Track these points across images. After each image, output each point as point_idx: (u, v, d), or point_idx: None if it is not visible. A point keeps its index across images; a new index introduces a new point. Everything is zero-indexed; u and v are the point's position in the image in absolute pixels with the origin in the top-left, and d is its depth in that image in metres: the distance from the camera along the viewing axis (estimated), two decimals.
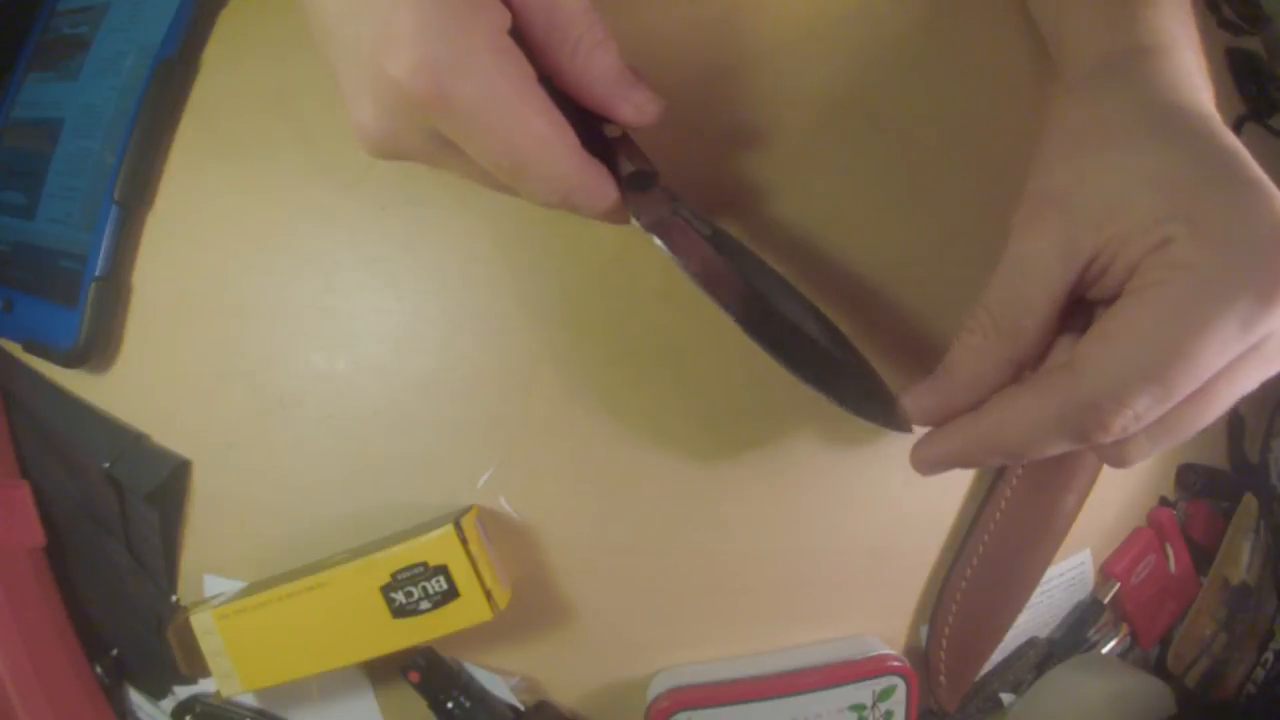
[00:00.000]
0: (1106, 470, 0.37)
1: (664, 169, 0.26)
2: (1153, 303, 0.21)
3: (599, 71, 0.24)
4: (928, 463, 0.27)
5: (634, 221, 0.25)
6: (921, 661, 0.34)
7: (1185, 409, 0.22)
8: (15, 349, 0.35)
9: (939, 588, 0.34)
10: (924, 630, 0.35)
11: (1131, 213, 0.22)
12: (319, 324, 0.31)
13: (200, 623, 0.30)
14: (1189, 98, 0.24)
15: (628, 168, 0.25)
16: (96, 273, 0.31)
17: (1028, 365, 0.25)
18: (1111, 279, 0.23)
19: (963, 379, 0.25)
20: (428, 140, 0.22)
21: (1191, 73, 0.25)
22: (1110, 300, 0.23)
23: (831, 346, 0.26)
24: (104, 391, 0.33)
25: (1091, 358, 0.22)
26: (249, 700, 0.34)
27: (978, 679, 0.38)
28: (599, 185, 0.24)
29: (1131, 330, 0.21)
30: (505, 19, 0.22)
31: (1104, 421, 0.21)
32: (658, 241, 0.24)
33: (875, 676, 0.31)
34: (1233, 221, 0.21)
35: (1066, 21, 0.29)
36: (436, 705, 0.31)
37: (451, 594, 0.28)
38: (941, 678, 0.34)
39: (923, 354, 0.32)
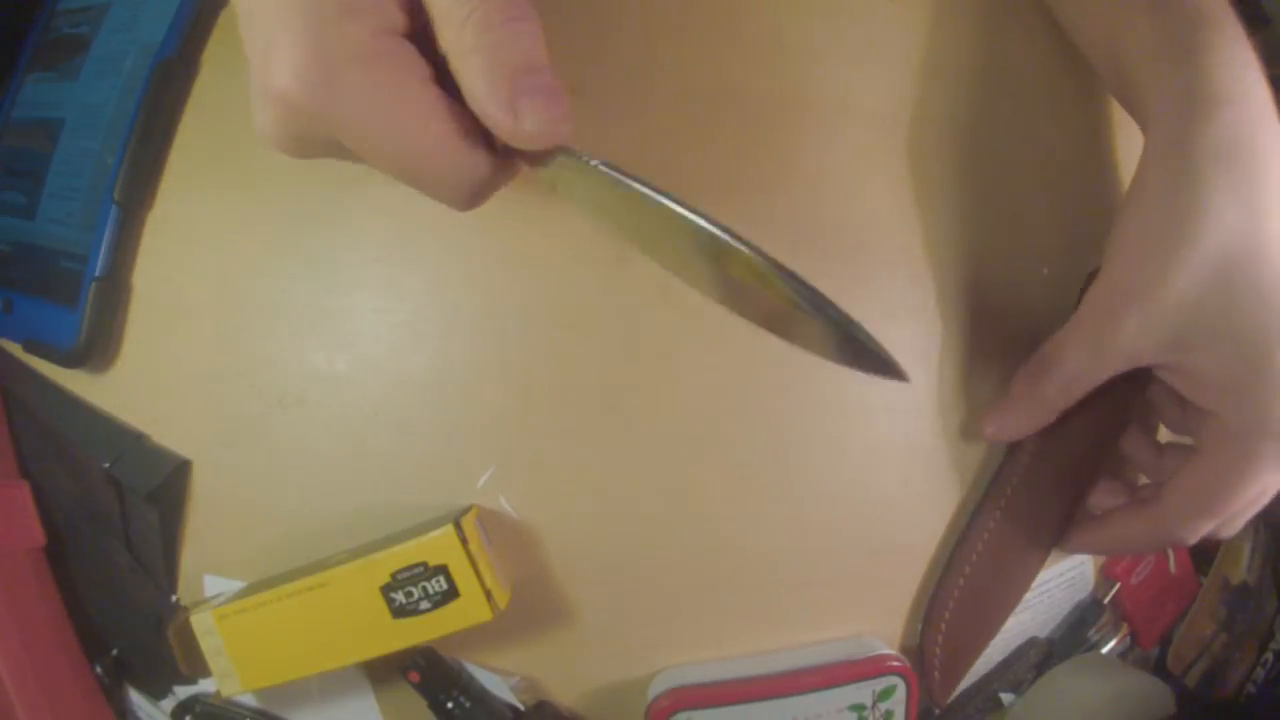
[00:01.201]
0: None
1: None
2: (1211, 468, 0.30)
3: (484, 61, 0.20)
4: (1069, 552, 0.36)
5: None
6: (917, 656, 0.34)
7: (1231, 517, 0.31)
8: (15, 349, 0.35)
9: (935, 582, 0.34)
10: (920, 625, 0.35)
11: (1194, 361, 0.28)
12: (319, 324, 0.31)
13: (200, 623, 0.30)
14: (1261, 202, 0.27)
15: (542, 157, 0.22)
16: (96, 273, 0.31)
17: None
18: (1157, 369, 0.30)
19: (1018, 425, 0.32)
20: (329, 146, 0.22)
21: (1261, 120, 0.27)
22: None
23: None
24: (104, 391, 0.33)
25: (1173, 503, 0.31)
26: (249, 700, 0.34)
27: (978, 679, 0.38)
28: (510, 174, 0.23)
29: (1198, 487, 0.30)
30: (392, 19, 0.20)
31: (1180, 540, 0.31)
32: (599, 166, 0.22)
33: (875, 676, 0.31)
34: (1267, 410, 0.28)
35: (1125, 48, 0.30)
36: (436, 705, 0.31)
37: (451, 594, 0.28)
38: (936, 673, 0.34)
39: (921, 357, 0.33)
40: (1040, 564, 0.35)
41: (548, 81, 0.21)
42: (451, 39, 0.20)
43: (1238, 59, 0.28)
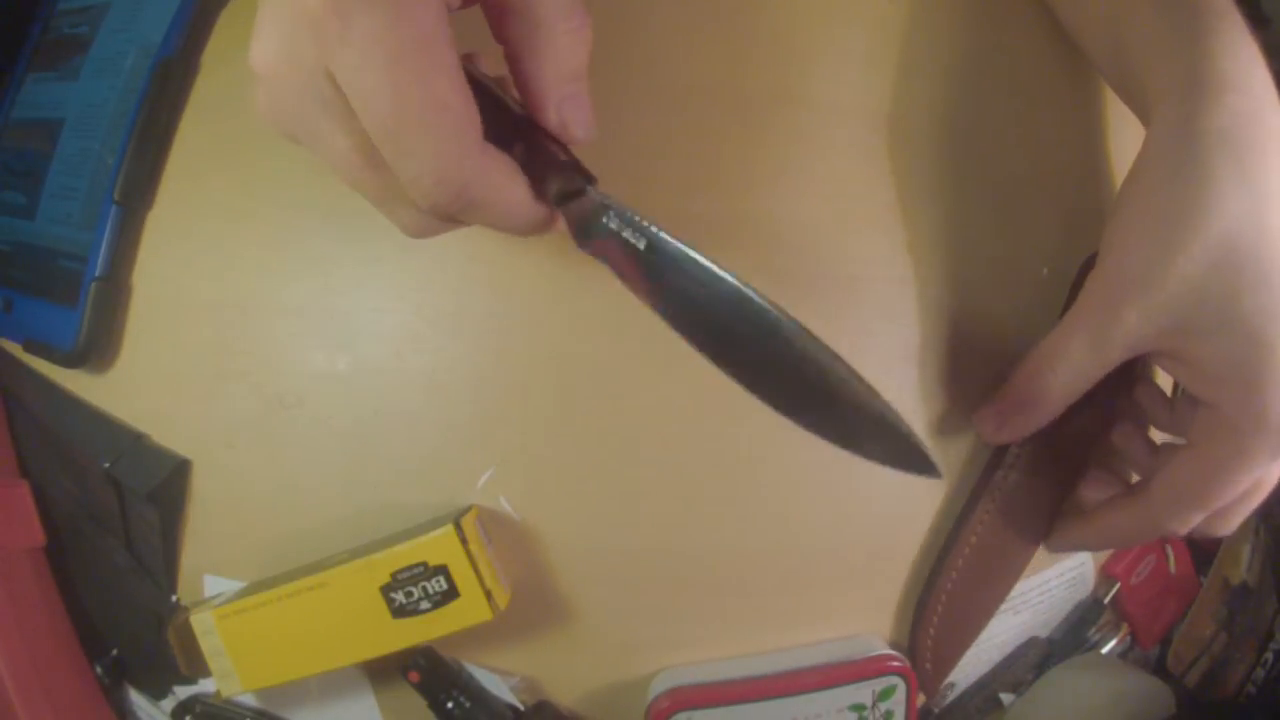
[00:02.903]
0: None
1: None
2: (1203, 459, 0.29)
3: (551, 61, 0.22)
4: (1057, 548, 0.35)
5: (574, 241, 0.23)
6: (907, 651, 0.34)
7: (1226, 509, 0.30)
8: (15, 349, 0.35)
9: (927, 577, 0.34)
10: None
11: (1196, 349, 0.28)
12: (319, 324, 0.31)
13: (200, 623, 0.30)
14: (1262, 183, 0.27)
15: (555, 182, 0.23)
16: (96, 273, 0.31)
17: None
18: (1155, 357, 0.30)
19: (1026, 421, 0.31)
20: (311, 87, 0.20)
21: (1264, 108, 0.27)
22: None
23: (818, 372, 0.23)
24: (104, 391, 0.33)
25: (1162, 494, 0.30)
26: (249, 700, 0.34)
27: (978, 679, 0.38)
28: (507, 185, 0.22)
29: (1188, 478, 0.29)
30: None
31: (1170, 531, 0.30)
32: (601, 258, 0.23)
33: (875, 676, 0.31)
34: (1267, 402, 0.27)
35: (1127, 43, 0.30)
36: (436, 705, 0.31)
37: (451, 594, 0.28)
38: (928, 665, 0.34)
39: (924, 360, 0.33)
40: (1030, 557, 0.35)
41: (584, 88, 0.23)
42: (512, 28, 0.21)
43: (1241, 47, 0.27)
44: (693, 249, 0.23)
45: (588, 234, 0.23)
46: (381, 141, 0.20)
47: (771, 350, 0.23)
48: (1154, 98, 0.28)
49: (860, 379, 0.23)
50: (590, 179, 0.23)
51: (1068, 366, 0.29)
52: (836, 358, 0.23)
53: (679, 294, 0.23)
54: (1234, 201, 0.26)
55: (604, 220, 0.23)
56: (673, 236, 0.23)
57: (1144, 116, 0.29)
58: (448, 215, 0.22)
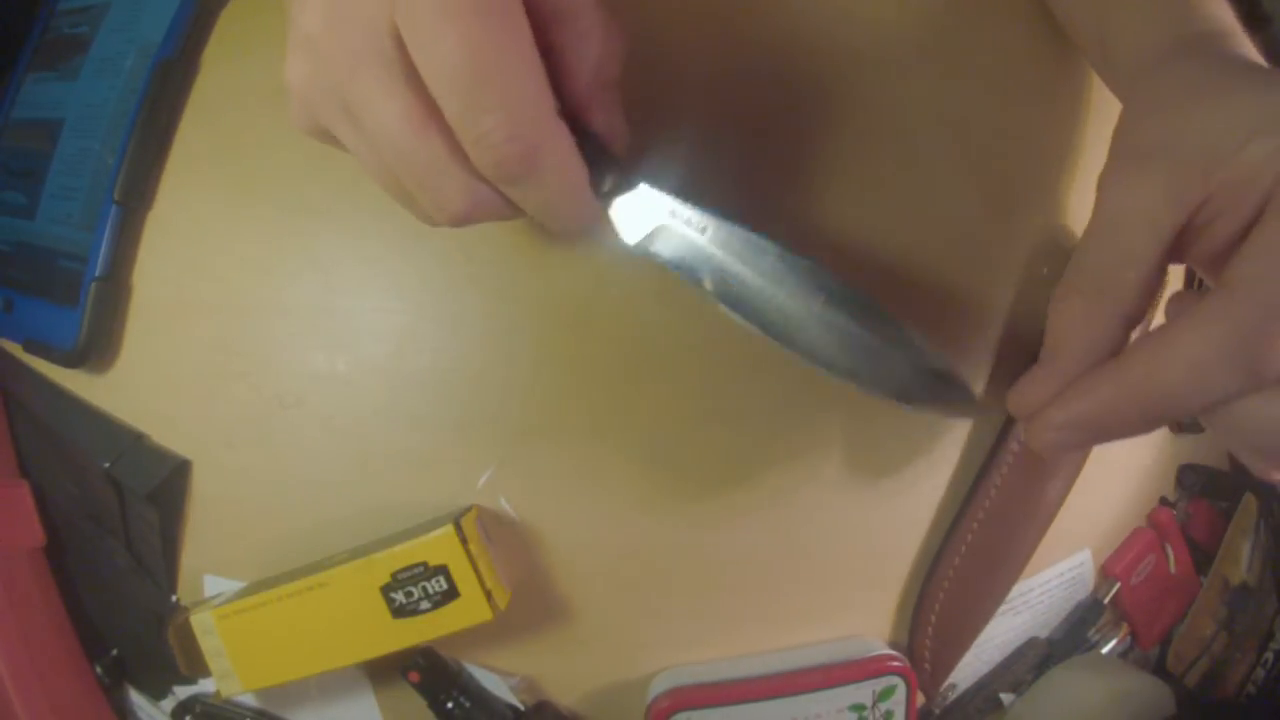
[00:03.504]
0: (1106, 470, 0.37)
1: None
2: None
3: (593, 65, 0.22)
4: (1059, 432, 0.23)
5: (624, 240, 0.23)
6: (906, 651, 0.34)
7: None
8: (15, 349, 0.35)
9: (924, 575, 0.34)
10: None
11: (1246, 157, 0.21)
12: (319, 324, 0.31)
13: (200, 623, 0.30)
14: (1266, 66, 0.24)
15: (608, 178, 0.23)
16: (96, 273, 0.31)
17: (1138, 323, 0.24)
18: (1224, 226, 0.22)
19: (1076, 353, 0.24)
20: (369, 44, 0.20)
21: (1256, 55, 0.25)
22: (1219, 254, 0.22)
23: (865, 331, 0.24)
24: (104, 391, 0.33)
25: (1249, 277, 0.20)
26: (249, 700, 0.34)
27: (978, 679, 0.38)
28: (573, 155, 0.21)
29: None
30: None
31: (1276, 343, 0.20)
32: (656, 256, 0.23)
33: (875, 676, 0.31)
34: None
35: (1113, 18, 0.28)
36: (436, 705, 0.31)
37: (451, 594, 0.28)
38: (926, 665, 0.34)
39: None
40: (1028, 556, 0.35)
41: (619, 94, 0.23)
42: (581, 29, 0.22)
43: (1232, 30, 0.26)
44: (756, 232, 0.23)
45: (644, 229, 0.23)
46: (454, 97, 0.20)
47: (840, 324, 0.23)
48: (1139, 68, 0.27)
49: (920, 338, 0.24)
50: (640, 175, 0.23)
51: (1130, 229, 0.23)
52: (900, 325, 0.23)
53: (741, 280, 0.23)
54: (1257, 90, 0.23)
55: (665, 212, 0.23)
56: (735, 221, 0.23)
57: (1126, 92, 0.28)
58: (510, 179, 0.21)
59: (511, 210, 0.23)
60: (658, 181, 0.23)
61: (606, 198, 0.23)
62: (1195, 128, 0.22)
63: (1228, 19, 0.27)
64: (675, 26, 0.31)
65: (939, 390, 0.24)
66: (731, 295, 0.23)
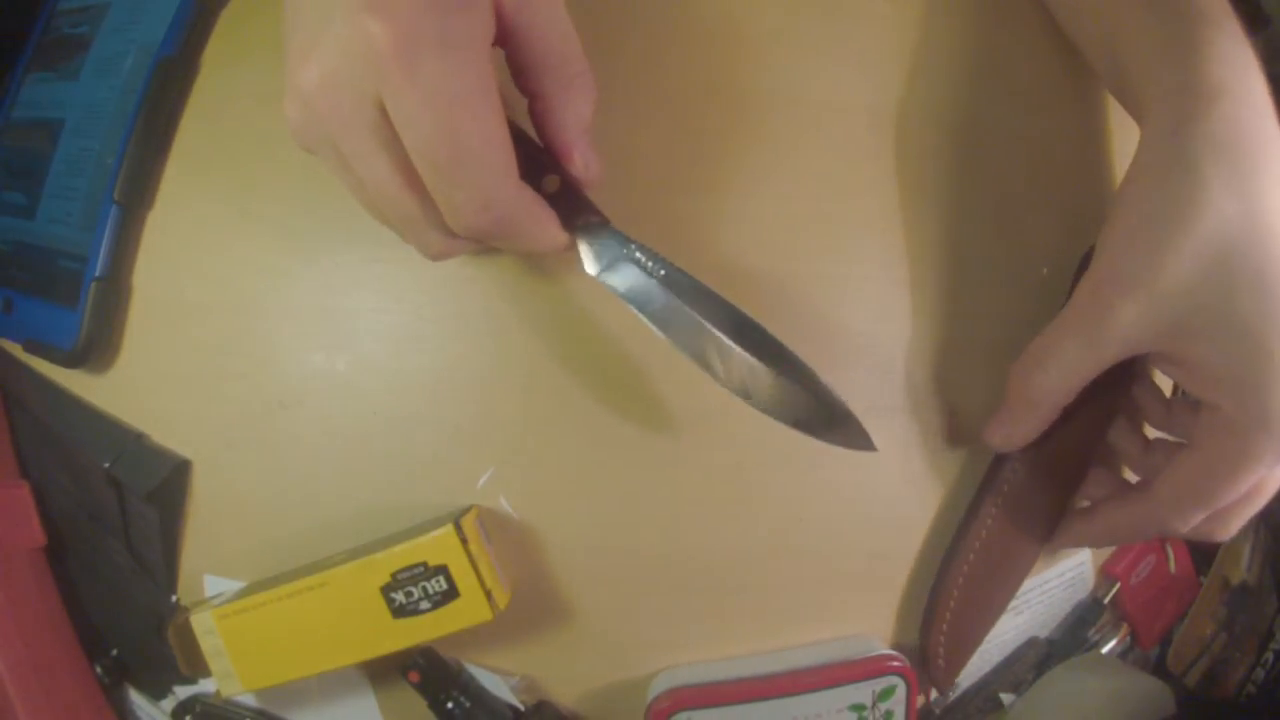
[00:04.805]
0: None
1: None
2: (1205, 458, 0.29)
3: (576, 114, 0.25)
4: (1060, 545, 0.35)
5: (586, 269, 0.26)
6: (917, 647, 0.34)
7: (1227, 511, 0.30)
8: (15, 349, 0.35)
9: (938, 571, 0.34)
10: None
11: (1193, 351, 0.28)
12: (319, 324, 0.31)
13: (200, 623, 0.30)
14: (1259, 187, 0.27)
15: (573, 220, 0.26)
16: (96, 273, 0.31)
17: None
18: (1155, 360, 0.30)
19: (1049, 407, 0.31)
20: (358, 113, 0.22)
21: (1259, 115, 0.27)
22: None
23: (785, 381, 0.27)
24: (104, 391, 0.33)
25: (1165, 494, 0.30)
26: (249, 700, 0.34)
27: (978, 679, 0.38)
28: (539, 213, 0.25)
29: (1191, 478, 0.29)
30: (490, 29, 0.22)
31: (1173, 530, 0.30)
32: (611, 286, 0.26)
33: (875, 676, 0.31)
34: (1268, 404, 0.27)
35: (1122, 41, 0.30)
36: (436, 705, 0.31)
37: (451, 594, 0.28)
38: (940, 661, 0.34)
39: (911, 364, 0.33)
40: (1037, 554, 0.35)
41: (592, 135, 0.26)
42: (564, 81, 0.25)
43: (1236, 55, 0.28)
44: (703, 282, 0.27)
45: (605, 263, 0.27)
46: (430, 172, 0.22)
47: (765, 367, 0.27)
48: (1148, 104, 0.29)
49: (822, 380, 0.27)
50: (606, 220, 0.27)
51: (1060, 365, 0.29)
52: (816, 378, 0.27)
53: (686, 319, 0.27)
54: (1226, 203, 0.26)
55: (625, 251, 0.27)
56: (684, 270, 0.27)
57: (1140, 122, 0.30)
58: (481, 239, 0.24)
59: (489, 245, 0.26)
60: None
61: (578, 232, 0.26)
62: (1169, 286, 0.27)
63: (1235, 55, 0.28)
64: (669, 24, 0.31)
65: (833, 425, 0.28)
66: (671, 328, 0.27)
